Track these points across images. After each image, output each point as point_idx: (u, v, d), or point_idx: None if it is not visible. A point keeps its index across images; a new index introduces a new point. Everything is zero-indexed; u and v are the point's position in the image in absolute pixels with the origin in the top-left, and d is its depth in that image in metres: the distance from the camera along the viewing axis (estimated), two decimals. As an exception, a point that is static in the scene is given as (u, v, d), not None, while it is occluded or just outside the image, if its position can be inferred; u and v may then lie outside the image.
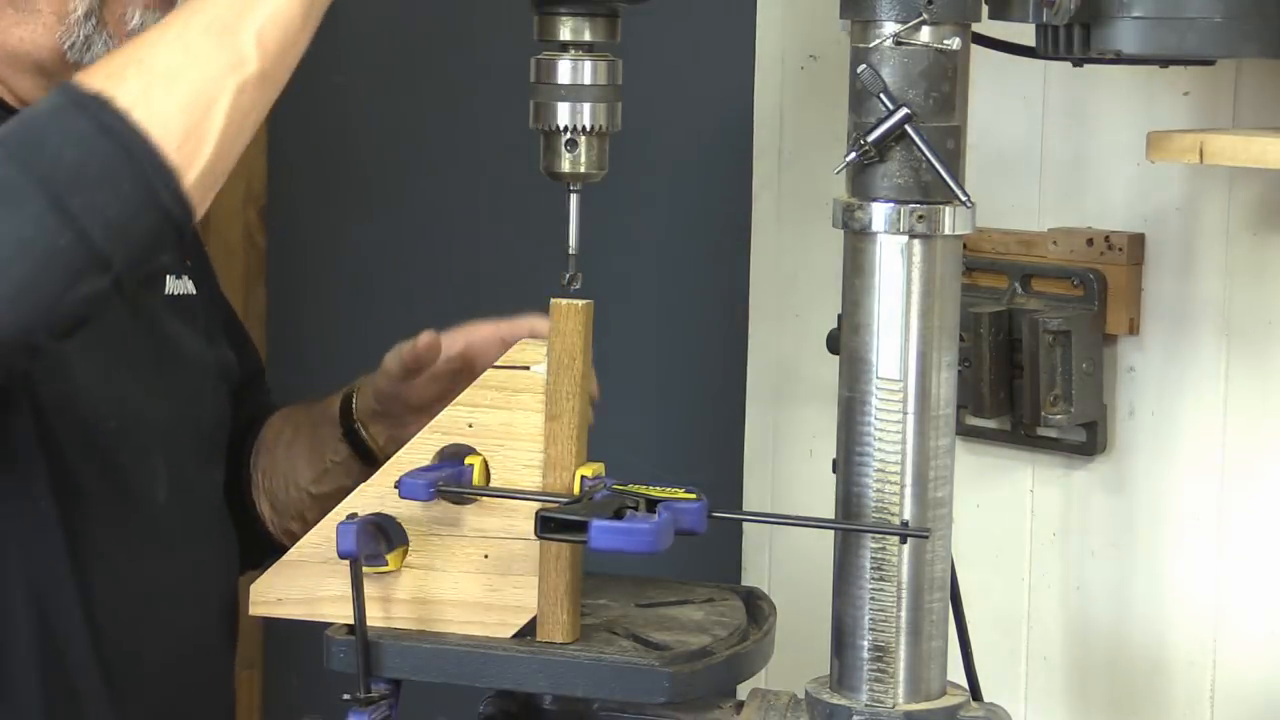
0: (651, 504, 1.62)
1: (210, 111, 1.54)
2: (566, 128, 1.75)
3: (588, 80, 1.75)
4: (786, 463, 2.49)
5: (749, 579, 2.49)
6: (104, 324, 1.72)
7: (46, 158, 1.48)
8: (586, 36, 1.74)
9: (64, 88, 1.53)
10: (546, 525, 1.59)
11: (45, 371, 1.74)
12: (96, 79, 1.53)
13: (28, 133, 1.51)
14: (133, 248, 1.51)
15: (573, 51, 1.75)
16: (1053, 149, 2.22)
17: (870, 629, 1.73)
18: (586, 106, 1.75)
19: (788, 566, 2.48)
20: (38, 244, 1.47)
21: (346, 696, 1.70)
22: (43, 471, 1.75)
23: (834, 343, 2.06)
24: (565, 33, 1.74)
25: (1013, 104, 2.23)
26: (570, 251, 1.77)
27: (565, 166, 1.77)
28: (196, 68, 1.53)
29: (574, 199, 1.79)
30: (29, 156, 1.49)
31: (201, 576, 1.90)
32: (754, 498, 2.53)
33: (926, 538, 1.71)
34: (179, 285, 1.95)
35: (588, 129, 1.75)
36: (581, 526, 1.57)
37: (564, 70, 1.74)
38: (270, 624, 1.97)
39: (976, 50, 1.82)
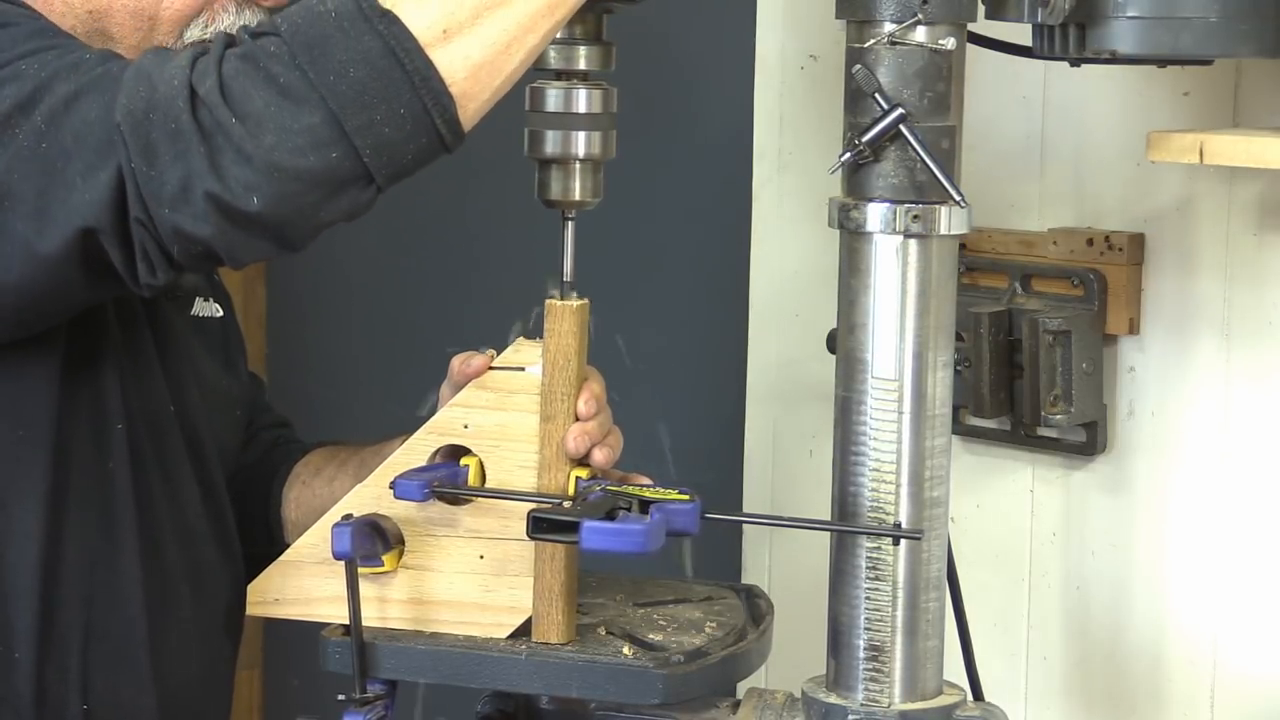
0: (645, 505, 1.62)
1: (508, 51, 1.57)
2: (558, 156, 1.75)
3: (581, 109, 1.75)
4: (786, 463, 2.49)
5: (749, 577, 2.49)
6: (162, 325, 1.81)
7: (331, 70, 1.53)
8: (580, 65, 1.74)
9: None
10: (538, 525, 1.59)
11: (135, 366, 1.78)
12: None
13: (314, 35, 1.54)
14: (398, 166, 1.56)
15: (565, 80, 1.75)
16: (1052, 149, 2.22)
17: (866, 629, 1.73)
18: (580, 135, 1.75)
19: (787, 565, 2.48)
20: (310, 152, 1.52)
21: (341, 697, 1.70)
22: (122, 448, 1.77)
23: (834, 342, 2.06)
24: (558, 61, 1.74)
25: (1012, 104, 2.23)
26: (565, 279, 1.77)
27: (558, 195, 1.77)
28: (509, 6, 1.57)
29: (569, 227, 1.78)
30: (314, 64, 1.53)
31: (213, 576, 1.91)
32: (754, 497, 2.52)
33: (920, 539, 1.71)
34: (205, 308, 1.97)
35: (580, 158, 1.75)
36: (573, 527, 1.57)
37: (556, 99, 1.74)
38: (270, 624, 1.97)
39: (977, 50, 1.82)
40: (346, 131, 1.53)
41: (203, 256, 1.58)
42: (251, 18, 1.79)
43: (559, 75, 1.75)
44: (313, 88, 1.52)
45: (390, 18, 1.54)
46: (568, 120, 1.74)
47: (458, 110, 1.56)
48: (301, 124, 1.52)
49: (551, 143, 1.75)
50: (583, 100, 1.75)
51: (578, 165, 1.76)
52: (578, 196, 1.77)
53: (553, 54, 1.74)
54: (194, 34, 1.76)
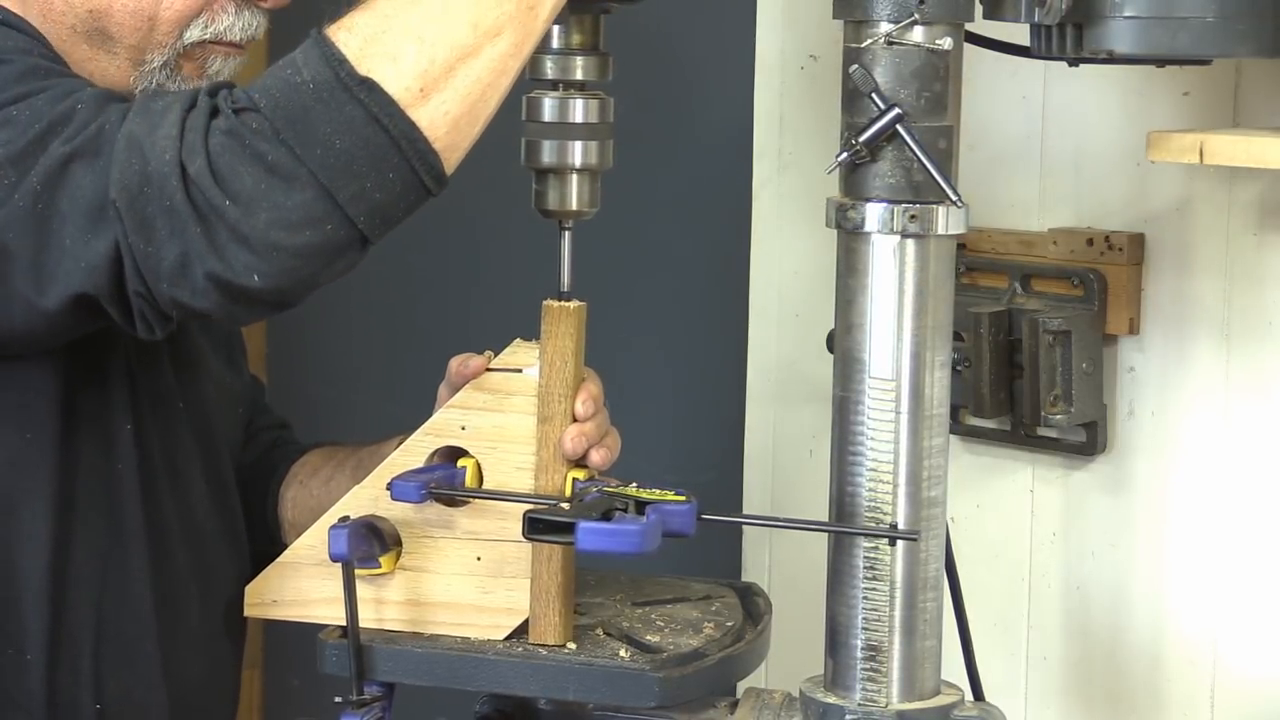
0: (641, 506, 1.62)
1: (484, 98, 1.58)
2: (555, 166, 1.75)
3: (578, 119, 1.74)
4: (786, 463, 2.49)
5: (749, 576, 2.48)
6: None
7: (317, 144, 1.53)
8: (577, 75, 1.74)
9: (327, 55, 1.55)
10: (534, 526, 1.59)
11: (145, 365, 1.79)
12: (366, 52, 1.54)
13: (295, 108, 1.54)
14: (390, 223, 1.58)
15: (562, 90, 1.74)
16: (1052, 149, 2.22)
17: (863, 629, 1.73)
18: (577, 145, 1.74)
19: (788, 564, 2.48)
20: (305, 228, 1.53)
21: (339, 699, 1.70)
22: (130, 450, 1.78)
23: (834, 342, 2.06)
24: (554, 71, 1.74)
25: (1012, 104, 2.23)
26: (563, 289, 1.77)
27: (555, 204, 1.76)
28: (478, 56, 1.57)
29: (566, 237, 1.78)
30: (299, 139, 1.53)
31: (221, 574, 1.91)
32: (754, 497, 2.52)
33: (916, 539, 1.71)
34: None
35: (577, 168, 1.75)
36: (568, 528, 1.57)
37: (553, 109, 1.74)
38: (271, 625, 1.97)
39: (977, 50, 1.82)
40: (339, 203, 1.54)
41: (199, 318, 1.62)
42: (251, 19, 1.79)
43: (555, 85, 1.75)
44: (300, 163, 1.53)
45: (369, 84, 1.54)
46: (564, 130, 1.74)
47: (442, 164, 1.57)
48: (294, 201, 1.53)
49: (548, 152, 1.75)
50: (579, 110, 1.74)
51: (574, 175, 1.76)
52: (574, 206, 1.76)
53: (549, 64, 1.74)
54: (194, 34, 1.77)
